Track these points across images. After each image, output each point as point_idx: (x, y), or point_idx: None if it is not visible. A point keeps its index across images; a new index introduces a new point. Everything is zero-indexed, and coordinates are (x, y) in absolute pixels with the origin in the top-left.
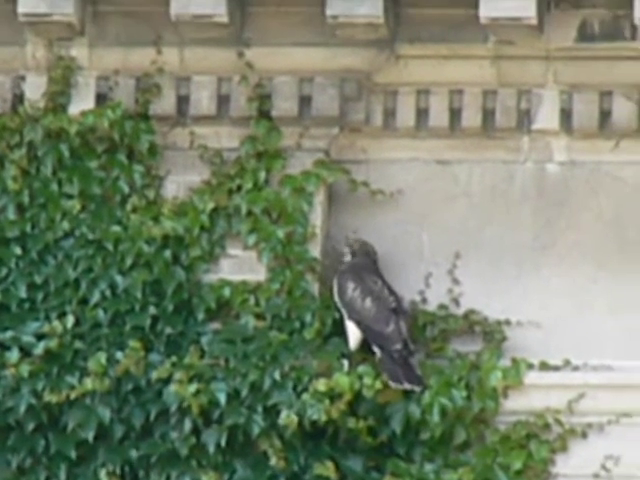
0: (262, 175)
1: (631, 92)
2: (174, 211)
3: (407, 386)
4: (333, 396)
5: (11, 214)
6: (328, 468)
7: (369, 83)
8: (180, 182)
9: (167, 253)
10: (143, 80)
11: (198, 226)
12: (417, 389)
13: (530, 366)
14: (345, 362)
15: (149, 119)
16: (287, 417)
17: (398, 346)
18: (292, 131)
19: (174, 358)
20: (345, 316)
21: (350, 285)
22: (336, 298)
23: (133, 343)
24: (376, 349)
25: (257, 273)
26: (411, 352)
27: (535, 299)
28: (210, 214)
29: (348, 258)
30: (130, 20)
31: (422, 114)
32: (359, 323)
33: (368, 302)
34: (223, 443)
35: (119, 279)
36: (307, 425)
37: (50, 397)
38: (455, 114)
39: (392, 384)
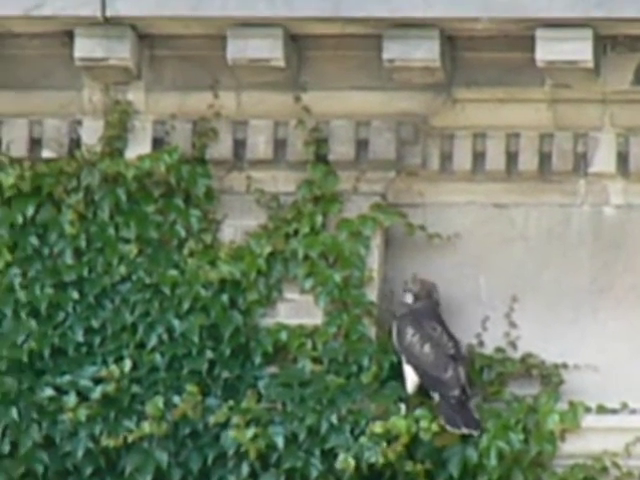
0: (319, 219)
1: None
2: (231, 255)
3: (465, 430)
4: (390, 439)
5: (68, 259)
6: None
7: (426, 127)
8: (237, 226)
9: (224, 297)
10: (200, 124)
11: (255, 270)
12: (475, 433)
13: (587, 409)
14: (402, 406)
15: (206, 163)
16: (344, 460)
17: (456, 392)
18: (349, 175)
19: (231, 402)
20: (403, 360)
21: (409, 330)
22: (395, 342)
23: (190, 387)
24: (433, 394)
25: (314, 317)
26: (468, 397)
27: (592, 342)
28: (267, 258)
29: (409, 300)
30: (187, 64)
31: (479, 157)
32: (417, 368)
33: (427, 348)
34: None
35: (176, 323)
36: (364, 468)
37: (107, 441)
38: (512, 157)
39: (449, 428)
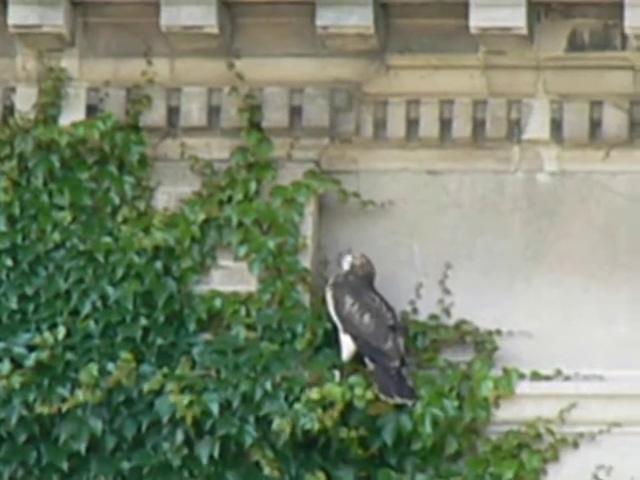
0: (253, 186)
1: (621, 101)
2: (165, 222)
3: (398, 400)
4: (325, 406)
5: (2, 225)
6: (319, 478)
7: (359, 93)
8: (171, 193)
9: (158, 264)
10: (133, 91)
11: (189, 237)
12: (409, 402)
13: (521, 376)
14: (337, 373)
15: (140, 130)
16: (280, 425)
17: (396, 363)
18: (282, 142)
19: (165, 369)
20: (340, 329)
21: (348, 300)
22: (331, 310)
23: (124, 354)
24: (369, 362)
25: (248, 284)
26: (407, 366)
27: (526, 309)
28: (201, 225)
29: (347, 267)
30: (120, 31)
31: (412, 124)
32: (356, 338)
33: (367, 318)
34: (216, 454)
35: (110, 290)
36: (299, 435)
37: (41, 409)
38: (445, 124)
39: (383, 397)
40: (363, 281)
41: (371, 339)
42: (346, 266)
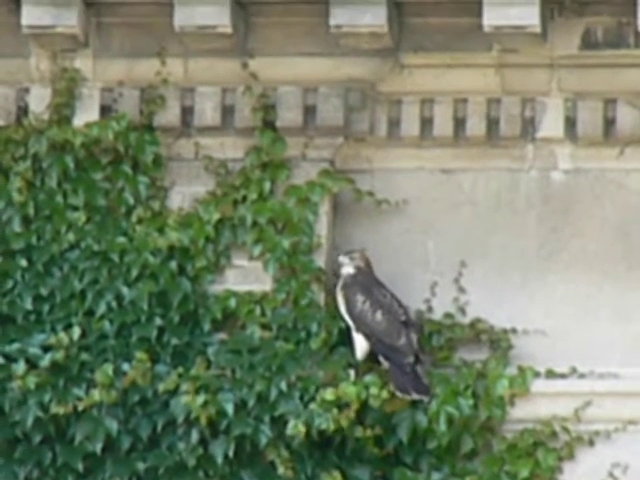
0: (267, 185)
1: (635, 99)
2: (179, 222)
3: (415, 396)
4: (340, 405)
5: (16, 226)
6: (335, 478)
7: (373, 93)
8: (185, 193)
9: (173, 264)
10: (147, 91)
11: (203, 237)
12: (425, 399)
13: (536, 374)
14: (351, 372)
15: (154, 130)
16: (294, 427)
17: (410, 359)
18: (297, 141)
19: (181, 369)
20: (353, 329)
21: (359, 298)
22: (343, 311)
23: (139, 354)
24: (383, 360)
25: (263, 283)
26: (422, 363)
27: (541, 307)
28: (215, 225)
29: (350, 271)
30: (134, 31)
31: (426, 123)
32: (369, 336)
33: (378, 315)
34: (231, 454)
35: (125, 290)
36: (314, 435)
37: (57, 409)
38: (459, 123)
39: (400, 394)
40: (372, 278)
41: (384, 336)
42: (349, 269)
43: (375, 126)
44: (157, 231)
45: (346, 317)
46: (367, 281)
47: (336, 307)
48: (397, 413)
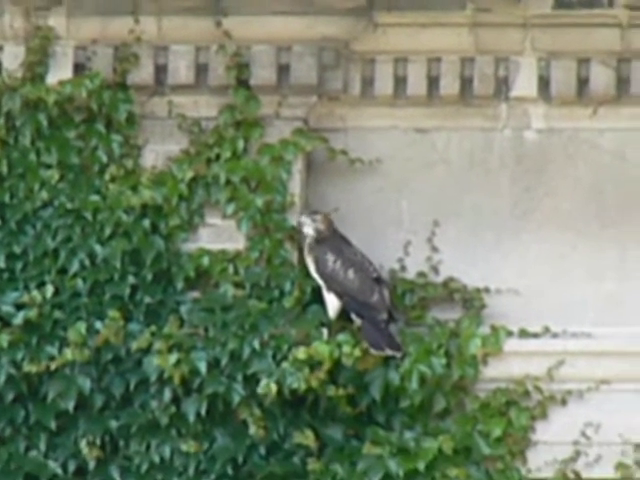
0: (240, 144)
1: (609, 59)
2: (153, 180)
3: (389, 352)
4: (312, 364)
5: None
6: (308, 437)
7: (347, 51)
8: (158, 151)
9: (146, 222)
10: (121, 49)
11: (177, 195)
12: (398, 355)
13: (509, 333)
14: (324, 330)
15: (127, 88)
16: (266, 386)
17: (384, 315)
18: (270, 100)
19: (153, 328)
20: (324, 288)
21: (330, 257)
22: (312, 271)
23: (112, 313)
24: (356, 318)
25: (236, 242)
26: (395, 319)
27: (514, 266)
28: (189, 183)
29: (309, 232)
30: None
31: (400, 82)
32: (341, 295)
33: (351, 273)
34: (203, 412)
35: (98, 248)
36: (287, 394)
37: (30, 367)
38: (433, 82)
39: (373, 351)
40: (339, 237)
41: (357, 294)
42: (305, 228)
43: (349, 85)
44: (130, 189)
45: (316, 277)
46: (336, 240)
47: (305, 268)
48: (369, 372)
